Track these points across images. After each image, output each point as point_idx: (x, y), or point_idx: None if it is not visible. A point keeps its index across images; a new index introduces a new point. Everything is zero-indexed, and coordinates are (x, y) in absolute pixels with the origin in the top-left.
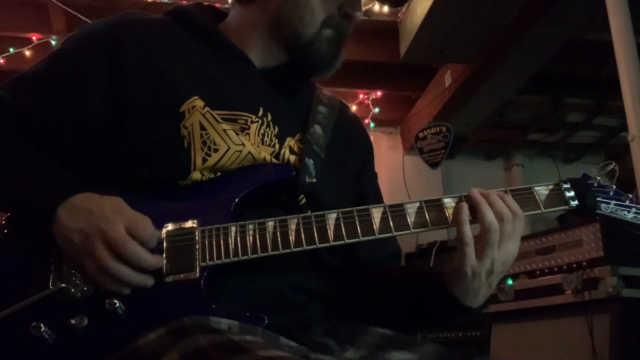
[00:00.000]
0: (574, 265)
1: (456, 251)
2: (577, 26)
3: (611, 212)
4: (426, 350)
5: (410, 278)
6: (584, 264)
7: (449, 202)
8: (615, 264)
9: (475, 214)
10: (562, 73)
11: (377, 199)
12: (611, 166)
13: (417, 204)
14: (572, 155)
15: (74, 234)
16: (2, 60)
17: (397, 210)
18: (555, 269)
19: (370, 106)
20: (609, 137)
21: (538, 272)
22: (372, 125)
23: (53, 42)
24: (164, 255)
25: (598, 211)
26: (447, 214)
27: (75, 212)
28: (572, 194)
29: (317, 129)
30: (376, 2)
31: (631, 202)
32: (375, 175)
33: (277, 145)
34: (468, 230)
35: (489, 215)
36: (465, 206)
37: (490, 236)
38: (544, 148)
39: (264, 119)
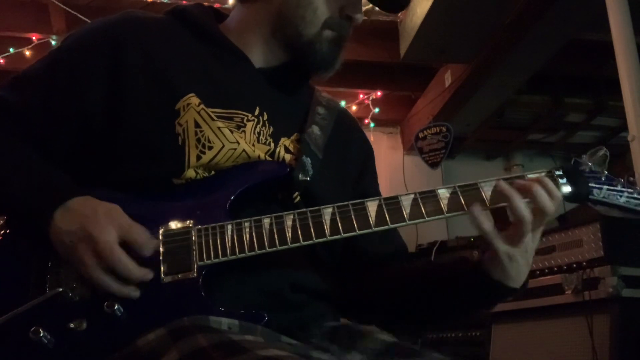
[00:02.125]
0: (574, 265)
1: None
2: (577, 26)
3: (604, 197)
4: None
5: (437, 270)
6: (584, 264)
7: (443, 192)
8: (615, 264)
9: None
10: (562, 73)
11: None
12: (602, 152)
13: (412, 196)
14: (572, 155)
15: (65, 237)
16: (2, 60)
17: (393, 203)
18: (555, 269)
19: (370, 106)
20: (609, 137)
21: (538, 272)
22: (372, 125)
23: (53, 42)
24: (160, 258)
25: (591, 196)
26: (441, 205)
27: (70, 215)
28: (564, 180)
29: (315, 129)
30: None
31: (623, 186)
32: (376, 176)
33: (272, 144)
34: (488, 226)
35: (521, 209)
36: (478, 206)
37: (524, 227)
38: (544, 148)
39: (260, 118)
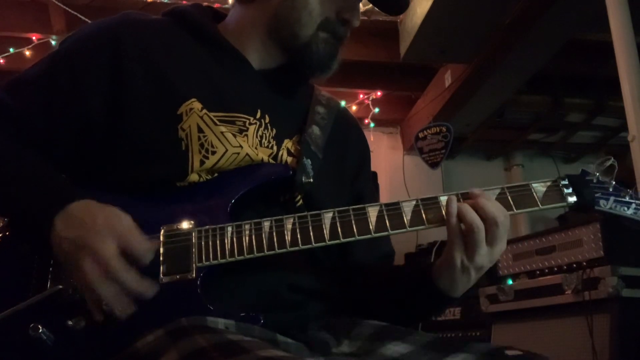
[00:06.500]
0: (574, 265)
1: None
2: (577, 26)
3: (610, 208)
4: (421, 339)
5: (397, 275)
6: (584, 264)
7: (445, 200)
8: (615, 264)
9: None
10: (562, 73)
11: (374, 199)
12: (610, 162)
13: (414, 203)
14: (572, 155)
15: (64, 244)
16: (2, 60)
17: (394, 209)
18: (555, 269)
19: (370, 106)
20: (609, 137)
21: (538, 272)
22: (372, 125)
23: (53, 42)
24: (160, 259)
25: (597, 207)
26: (443, 212)
27: (70, 221)
28: (570, 190)
29: (315, 129)
30: None
31: (631, 197)
32: (371, 176)
33: (274, 147)
34: (454, 220)
35: (471, 215)
36: (453, 199)
37: (477, 235)
38: (544, 148)
39: (262, 120)
